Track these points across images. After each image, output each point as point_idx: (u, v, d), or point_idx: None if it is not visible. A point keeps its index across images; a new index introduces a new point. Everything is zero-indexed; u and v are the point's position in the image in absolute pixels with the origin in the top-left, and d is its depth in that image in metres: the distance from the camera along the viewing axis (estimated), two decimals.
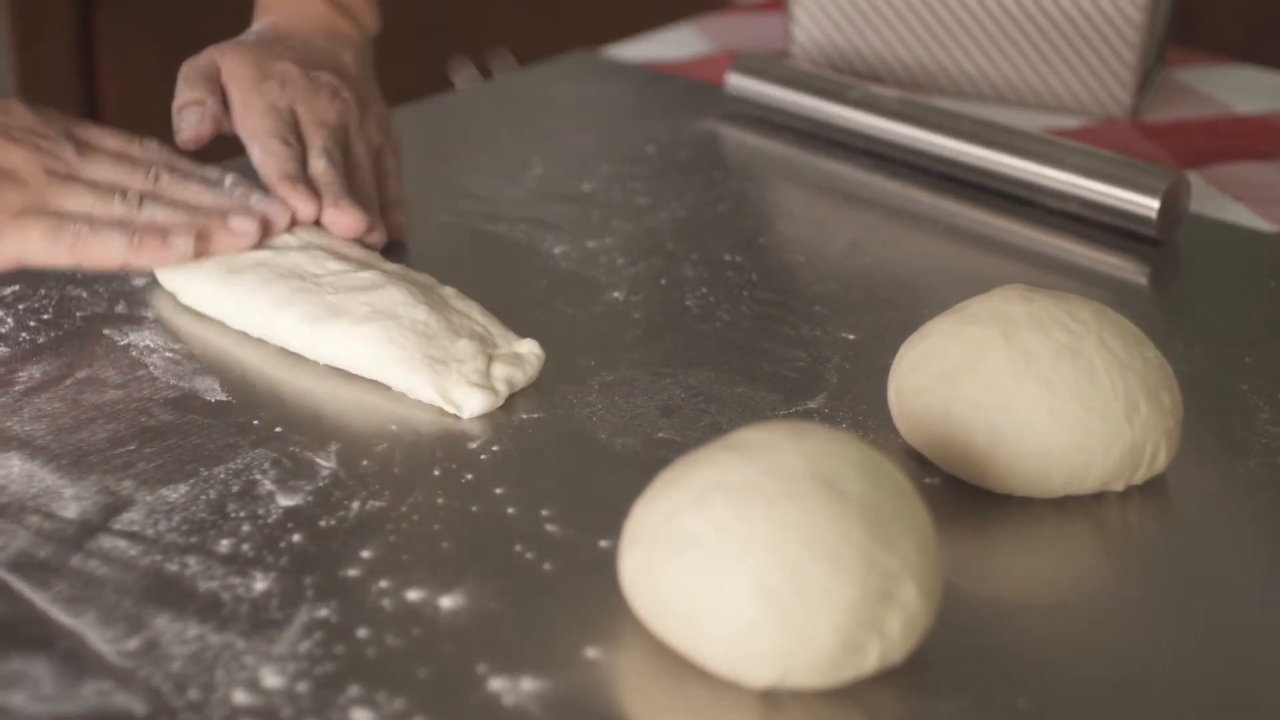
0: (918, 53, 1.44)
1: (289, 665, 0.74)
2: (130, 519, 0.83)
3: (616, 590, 0.78)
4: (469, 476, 0.88)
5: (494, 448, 0.90)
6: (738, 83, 1.37)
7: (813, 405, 0.95)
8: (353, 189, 1.08)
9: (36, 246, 0.96)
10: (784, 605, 0.71)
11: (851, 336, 1.02)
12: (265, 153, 1.07)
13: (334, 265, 0.99)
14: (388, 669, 0.74)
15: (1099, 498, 0.88)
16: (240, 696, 0.72)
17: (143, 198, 1.00)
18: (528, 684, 0.73)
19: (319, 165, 1.07)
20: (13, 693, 0.72)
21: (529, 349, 0.96)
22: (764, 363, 0.99)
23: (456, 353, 0.94)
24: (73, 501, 0.84)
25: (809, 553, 0.71)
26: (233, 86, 1.11)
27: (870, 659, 0.73)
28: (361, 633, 0.76)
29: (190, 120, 1.09)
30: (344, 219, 1.04)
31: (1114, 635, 0.79)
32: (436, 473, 0.88)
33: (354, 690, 0.72)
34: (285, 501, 0.85)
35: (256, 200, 1.03)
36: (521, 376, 0.95)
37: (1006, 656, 0.77)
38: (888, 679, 0.75)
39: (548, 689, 0.73)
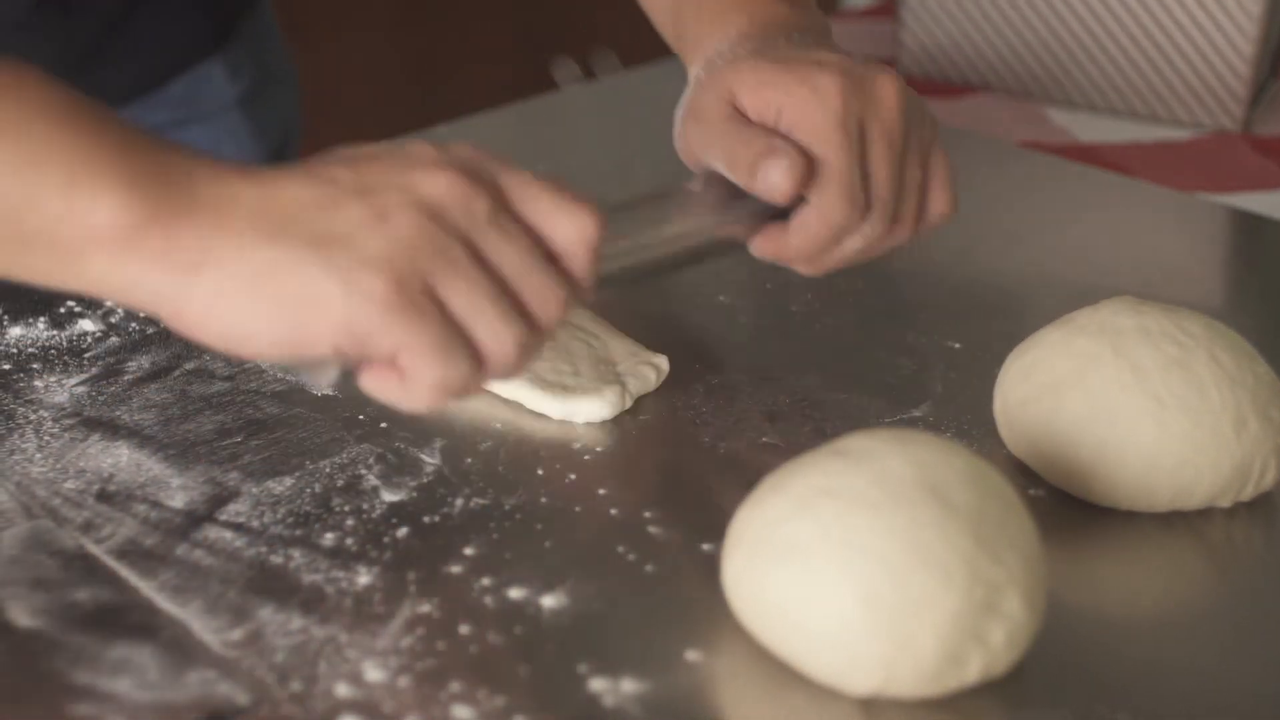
0: (1028, 61, 1.43)
1: (391, 660, 0.74)
2: (236, 510, 0.84)
3: (718, 593, 0.78)
4: (572, 476, 0.88)
5: (598, 448, 0.90)
6: None
7: (917, 413, 0.95)
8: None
9: (422, 358, 0.72)
10: (888, 613, 0.71)
11: (957, 345, 1.02)
12: (820, 215, 0.88)
13: None
14: (489, 666, 0.74)
15: (1205, 514, 0.87)
16: (342, 689, 0.72)
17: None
18: (628, 685, 0.73)
19: (851, 247, 0.90)
20: (119, 679, 0.72)
21: (660, 363, 0.96)
22: (869, 370, 0.99)
23: (579, 372, 0.94)
24: (180, 491, 0.85)
25: (914, 561, 0.71)
26: (766, 92, 0.90)
27: (972, 670, 0.73)
28: (463, 629, 0.76)
29: (775, 173, 0.86)
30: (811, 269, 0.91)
31: (1217, 653, 0.78)
32: (540, 472, 0.88)
33: (455, 687, 0.73)
34: (389, 497, 0.85)
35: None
36: (645, 389, 0.95)
37: (1108, 671, 0.76)
38: (988, 690, 0.74)
39: (648, 691, 0.73)
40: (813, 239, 0.89)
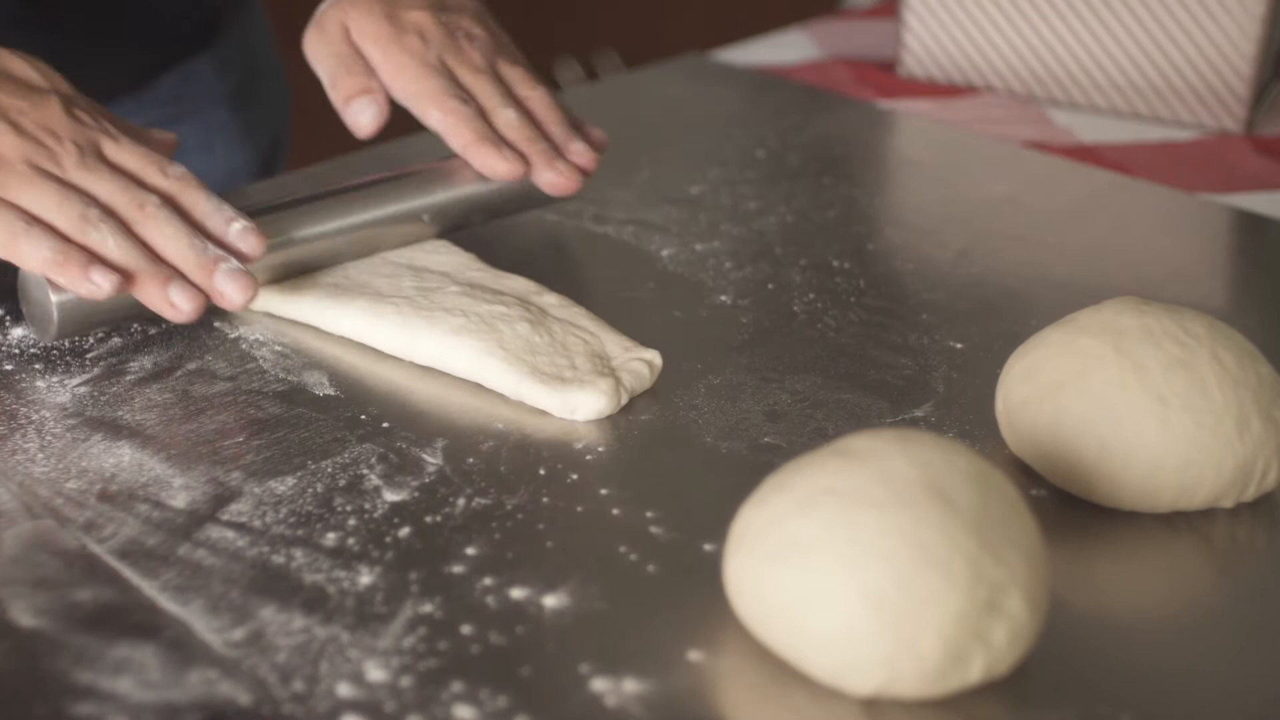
0: (1030, 63, 1.43)
1: (393, 660, 0.74)
2: (238, 510, 0.84)
3: (720, 593, 0.78)
4: (574, 476, 0.88)
5: (599, 448, 0.90)
6: None
7: (919, 414, 0.95)
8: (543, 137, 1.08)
9: None
10: (890, 613, 0.71)
11: (959, 346, 1.02)
12: (447, 115, 1.05)
13: (437, 285, 1.00)
14: (491, 666, 0.74)
15: (1208, 514, 0.87)
16: (344, 689, 0.72)
17: (108, 222, 0.93)
18: (630, 685, 0.73)
19: (508, 118, 1.06)
20: (120, 679, 0.72)
21: (652, 358, 0.96)
22: (870, 370, 0.99)
23: (575, 365, 0.94)
24: (182, 491, 0.85)
25: (917, 561, 0.71)
26: (369, 47, 1.09)
27: (975, 670, 0.73)
28: (465, 629, 0.76)
29: (368, 113, 1.07)
30: (562, 180, 1.05)
31: (1220, 654, 0.78)
32: (542, 472, 0.88)
33: (457, 687, 0.73)
34: (391, 497, 0.85)
35: (223, 273, 0.94)
36: (640, 385, 0.95)
37: (1111, 672, 0.76)
38: (991, 691, 0.74)
39: (650, 691, 0.73)
40: (464, 132, 1.05)
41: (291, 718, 0.71)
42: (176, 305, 0.92)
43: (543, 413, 0.93)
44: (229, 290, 0.94)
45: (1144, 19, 1.38)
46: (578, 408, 0.92)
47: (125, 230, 0.93)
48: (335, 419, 0.92)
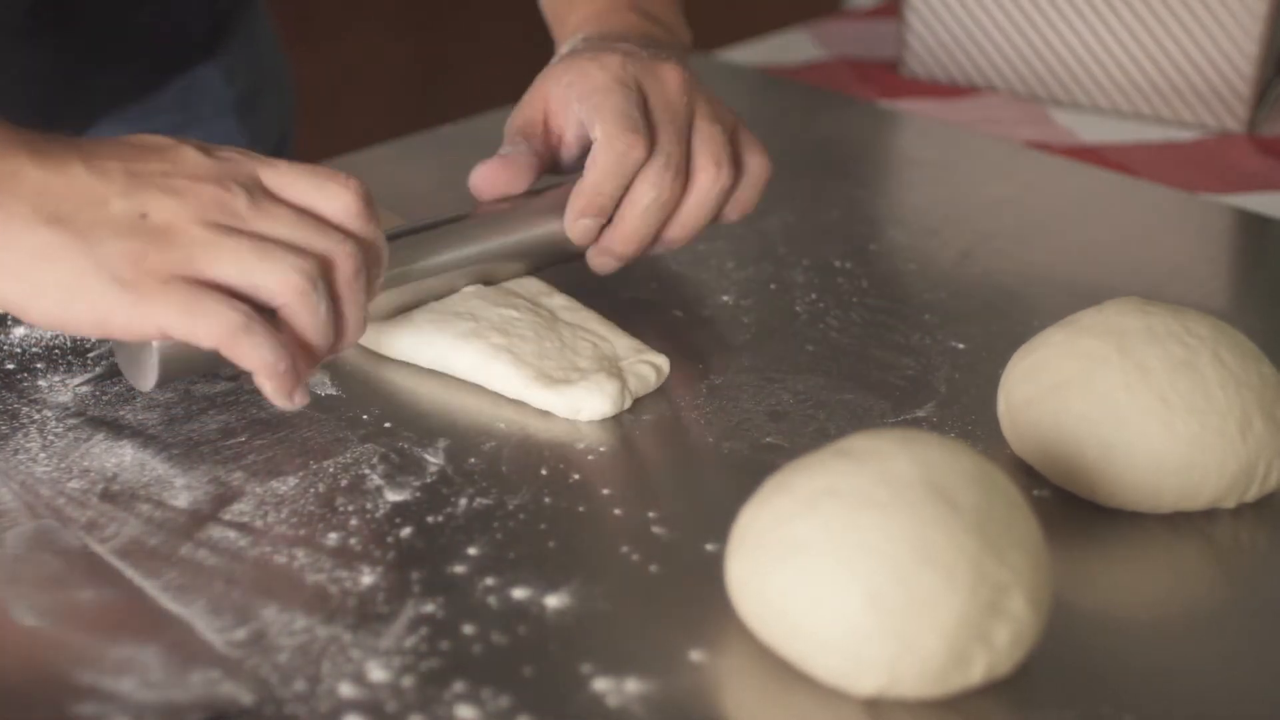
0: (1032, 62, 1.43)
1: (395, 660, 0.74)
2: (240, 510, 0.84)
3: (722, 594, 0.78)
4: (576, 476, 0.88)
5: (601, 448, 0.90)
6: None
7: (921, 414, 0.95)
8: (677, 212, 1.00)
9: (174, 321, 0.79)
10: (892, 614, 0.71)
11: (961, 346, 1.02)
12: (608, 142, 0.97)
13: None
14: (493, 666, 0.74)
15: (1210, 515, 0.87)
16: (346, 689, 0.72)
17: (322, 278, 0.82)
18: (632, 685, 0.73)
19: (645, 198, 0.98)
20: (122, 679, 0.72)
21: (660, 363, 0.96)
22: (872, 370, 0.99)
23: (580, 366, 0.94)
24: (183, 491, 0.85)
25: (919, 562, 0.71)
26: (564, 77, 1.01)
27: (977, 670, 0.72)
28: (467, 629, 0.76)
29: (483, 171, 1.00)
30: (601, 263, 1.01)
31: (1222, 654, 0.78)
32: (544, 472, 0.88)
33: (459, 686, 0.73)
34: (393, 497, 0.85)
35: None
36: (645, 389, 0.95)
37: (1114, 672, 0.76)
38: (993, 691, 0.74)
39: (652, 691, 0.73)
40: (600, 169, 0.97)
41: (294, 718, 0.71)
42: (295, 401, 0.83)
43: (545, 413, 0.93)
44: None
45: (1146, 19, 1.38)
46: (582, 409, 0.92)
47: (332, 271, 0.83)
48: (337, 419, 0.91)
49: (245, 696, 0.72)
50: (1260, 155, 1.35)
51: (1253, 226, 1.22)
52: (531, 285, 1.01)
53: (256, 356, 0.80)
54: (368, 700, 0.72)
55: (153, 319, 0.79)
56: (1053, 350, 0.89)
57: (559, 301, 1.00)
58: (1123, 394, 0.85)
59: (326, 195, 0.84)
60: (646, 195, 0.98)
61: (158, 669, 0.73)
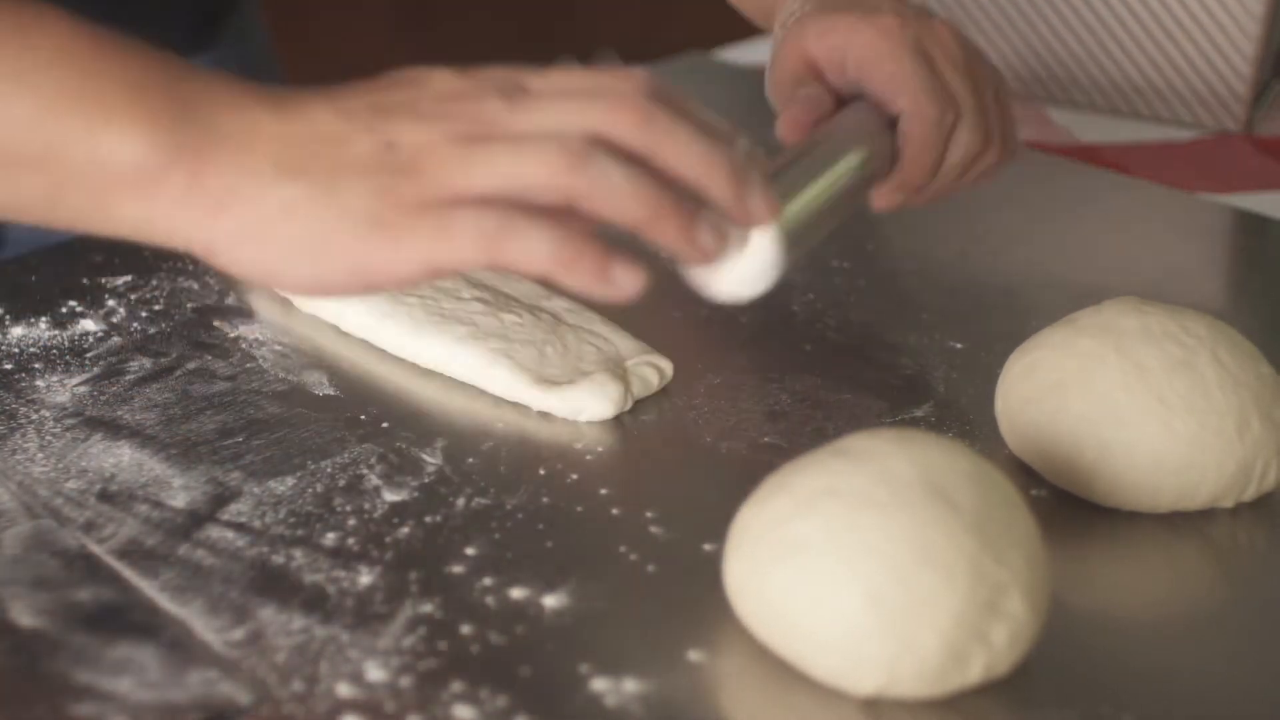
0: (1029, 62, 1.43)
1: (393, 660, 0.74)
2: (238, 510, 0.84)
3: (720, 593, 0.78)
4: (574, 476, 0.88)
5: (599, 448, 0.90)
6: None
7: (919, 414, 0.95)
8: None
9: (431, 251, 0.71)
10: (891, 613, 0.71)
11: (959, 346, 1.02)
12: (919, 114, 0.93)
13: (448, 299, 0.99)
14: (490, 666, 0.74)
15: (1208, 514, 0.87)
16: (344, 689, 0.72)
17: (599, 147, 0.71)
18: (630, 685, 0.73)
19: (955, 158, 0.96)
20: (120, 679, 0.72)
21: (664, 366, 0.96)
22: (870, 370, 0.99)
23: (584, 369, 0.94)
24: (181, 491, 0.85)
25: (917, 561, 0.71)
26: (833, 39, 0.96)
27: (975, 670, 0.72)
28: (465, 629, 0.76)
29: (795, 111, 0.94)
30: (891, 203, 0.98)
31: (1221, 654, 0.78)
32: (542, 472, 0.88)
33: (457, 686, 0.73)
34: (391, 496, 0.85)
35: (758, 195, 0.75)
36: (646, 391, 0.95)
37: (1112, 671, 0.76)
38: (991, 690, 0.74)
39: (650, 691, 0.73)
40: (918, 143, 0.94)
41: (291, 717, 0.71)
42: (705, 249, 0.74)
43: (543, 413, 0.93)
44: (762, 212, 0.75)
45: (1144, 19, 1.38)
46: (583, 410, 0.92)
47: (614, 148, 0.72)
48: (335, 419, 0.91)
49: (243, 696, 0.72)
50: (1258, 155, 1.35)
51: (1250, 226, 1.22)
52: (530, 289, 1.01)
53: (532, 254, 0.70)
54: (365, 700, 0.72)
55: (412, 255, 0.71)
56: (1050, 350, 0.89)
57: (561, 304, 1.00)
58: (1121, 394, 0.85)
59: (601, 84, 0.73)
60: (955, 155, 0.97)
61: (155, 669, 0.73)
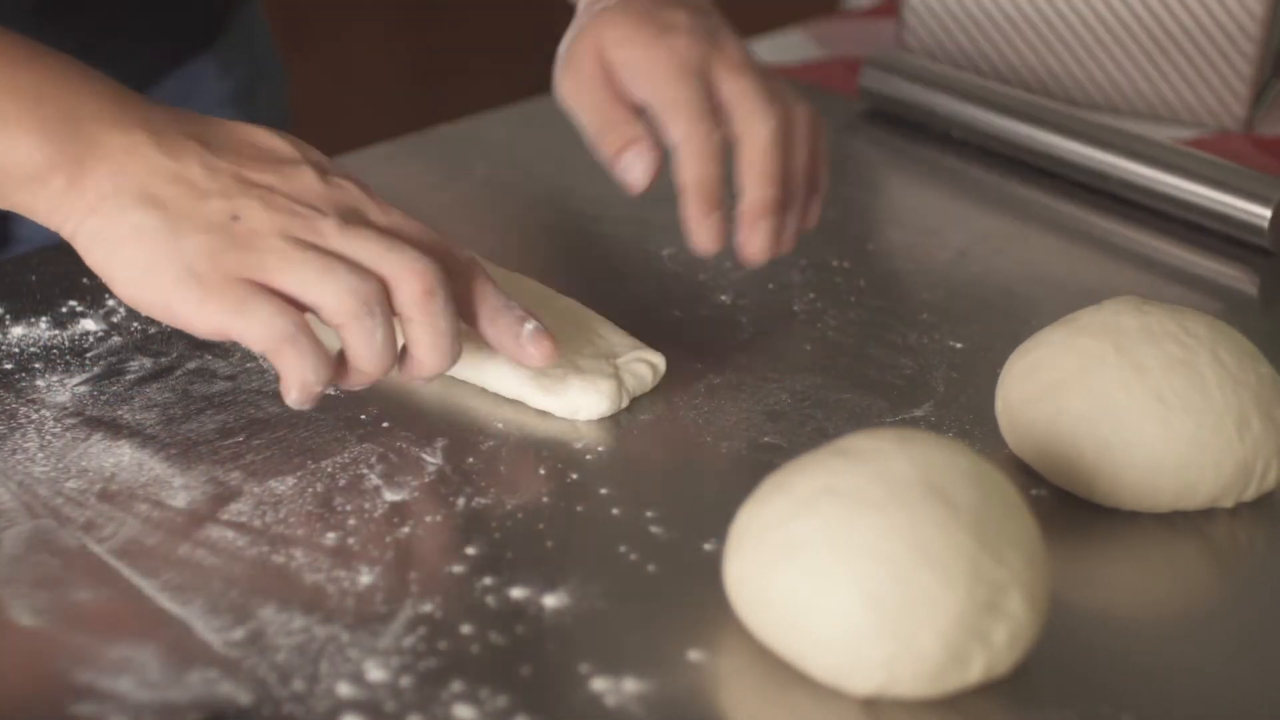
0: (1030, 61, 1.43)
1: (393, 659, 0.74)
2: (238, 509, 0.84)
3: (720, 593, 0.78)
4: (574, 476, 0.88)
5: (599, 448, 0.90)
6: (873, 78, 1.37)
7: (919, 413, 0.95)
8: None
9: (227, 319, 0.81)
10: (890, 613, 0.71)
11: (959, 345, 1.02)
12: (689, 141, 0.94)
13: None
14: (491, 666, 0.74)
15: (1208, 514, 0.87)
16: (344, 689, 0.72)
17: (383, 307, 0.83)
18: (630, 685, 0.73)
19: (758, 195, 0.95)
20: (120, 679, 0.72)
21: (656, 360, 0.96)
22: (870, 369, 0.99)
23: (578, 366, 0.94)
24: (181, 491, 0.85)
25: (917, 561, 0.71)
26: (625, 52, 0.98)
27: (975, 670, 0.72)
28: (465, 629, 0.76)
29: (637, 169, 0.96)
30: (758, 255, 0.96)
31: (1221, 654, 0.78)
32: (542, 472, 0.88)
33: (457, 686, 0.73)
34: (391, 496, 0.85)
35: (528, 331, 0.88)
36: (642, 387, 0.95)
37: (1112, 671, 0.76)
38: (991, 690, 0.74)
39: (650, 690, 0.73)
40: (693, 170, 0.94)
41: (291, 717, 0.71)
42: (303, 407, 0.85)
43: (543, 412, 0.93)
44: (535, 353, 0.88)
45: (1144, 18, 1.38)
46: (580, 409, 0.92)
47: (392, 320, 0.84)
48: (335, 418, 0.91)
49: (243, 696, 0.72)
50: (1259, 154, 1.35)
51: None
52: (531, 285, 1.01)
53: (295, 369, 0.82)
54: (366, 700, 0.72)
55: (211, 314, 0.81)
56: (1051, 349, 0.89)
57: (563, 304, 1.00)
58: (1120, 393, 0.85)
59: (425, 242, 0.86)
60: (762, 130, 0.96)
61: (155, 669, 0.73)
